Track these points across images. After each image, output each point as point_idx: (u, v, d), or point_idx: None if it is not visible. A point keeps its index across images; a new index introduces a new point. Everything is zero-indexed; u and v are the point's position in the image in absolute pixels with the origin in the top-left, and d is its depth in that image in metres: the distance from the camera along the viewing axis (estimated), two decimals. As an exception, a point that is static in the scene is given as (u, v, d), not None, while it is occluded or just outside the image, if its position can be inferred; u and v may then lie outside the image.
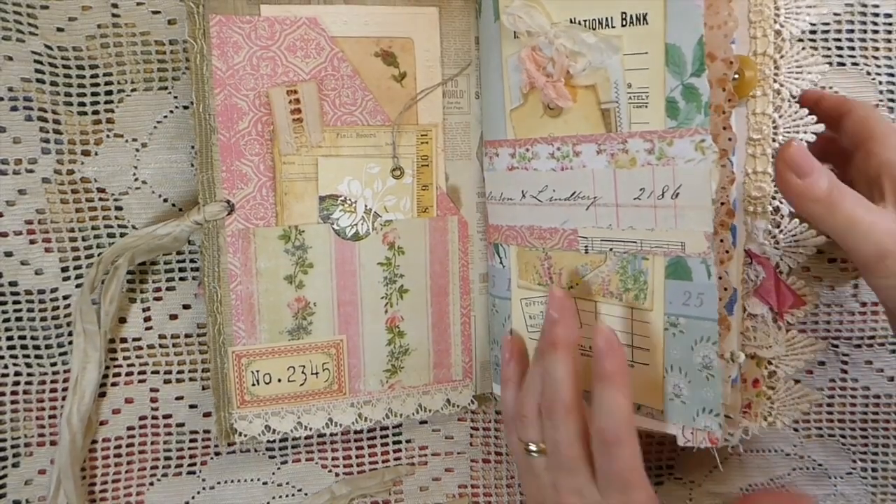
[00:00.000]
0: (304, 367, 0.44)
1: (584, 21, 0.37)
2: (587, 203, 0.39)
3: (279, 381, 0.44)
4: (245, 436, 0.44)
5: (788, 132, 0.38)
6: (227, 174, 0.41)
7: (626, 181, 0.38)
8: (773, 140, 0.38)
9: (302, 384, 0.44)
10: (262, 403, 0.44)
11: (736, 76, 0.36)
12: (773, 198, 0.38)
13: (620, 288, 0.39)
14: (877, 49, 0.45)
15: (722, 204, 0.37)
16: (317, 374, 0.44)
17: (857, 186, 0.37)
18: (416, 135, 0.44)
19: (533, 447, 0.39)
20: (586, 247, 0.40)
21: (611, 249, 0.39)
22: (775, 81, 0.38)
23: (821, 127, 0.38)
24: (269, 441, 0.45)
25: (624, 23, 0.36)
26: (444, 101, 0.44)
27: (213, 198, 0.42)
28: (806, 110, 0.38)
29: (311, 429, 0.44)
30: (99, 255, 0.44)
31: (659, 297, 0.38)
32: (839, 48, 0.44)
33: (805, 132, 0.38)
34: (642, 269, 0.38)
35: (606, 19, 0.37)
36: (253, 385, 0.43)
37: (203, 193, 0.42)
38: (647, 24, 0.36)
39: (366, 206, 0.43)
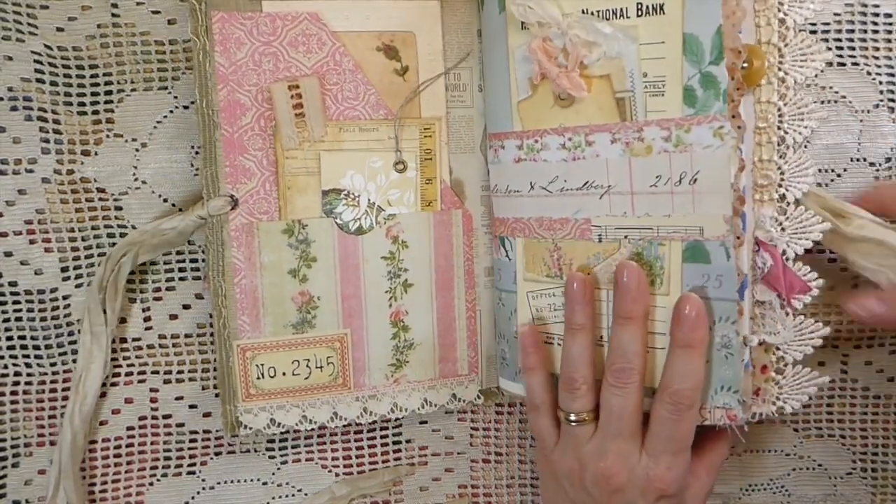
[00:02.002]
0: (308, 360, 0.44)
1: (597, 11, 0.38)
2: (601, 192, 0.39)
3: (284, 374, 0.44)
4: (250, 429, 0.44)
5: (793, 120, 0.39)
6: (230, 169, 0.42)
7: (642, 169, 0.38)
8: (778, 128, 0.39)
9: (307, 378, 0.44)
10: (267, 397, 0.44)
11: (745, 65, 0.37)
12: (780, 185, 0.39)
13: None
14: (877, 49, 0.45)
15: (734, 191, 0.37)
16: (321, 367, 0.44)
17: None
18: (420, 128, 0.44)
19: (575, 417, 0.41)
20: (600, 235, 0.40)
21: (625, 237, 0.39)
22: (780, 70, 0.39)
23: (824, 114, 0.39)
24: (273, 434, 0.46)
25: (640, 13, 0.37)
26: (447, 94, 0.44)
27: (216, 193, 0.42)
28: (810, 98, 0.39)
29: (315, 423, 0.45)
30: (100, 254, 0.44)
31: (676, 282, 0.39)
32: (839, 48, 0.44)
33: (809, 119, 0.39)
34: (659, 255, 0.39)
35: (621, 10, 0.37)
36: (258, 378, 0.44)
37: (207, 188, 0.42)
38: (663, 14, 0.37)
39: (369, 199, 0.43)
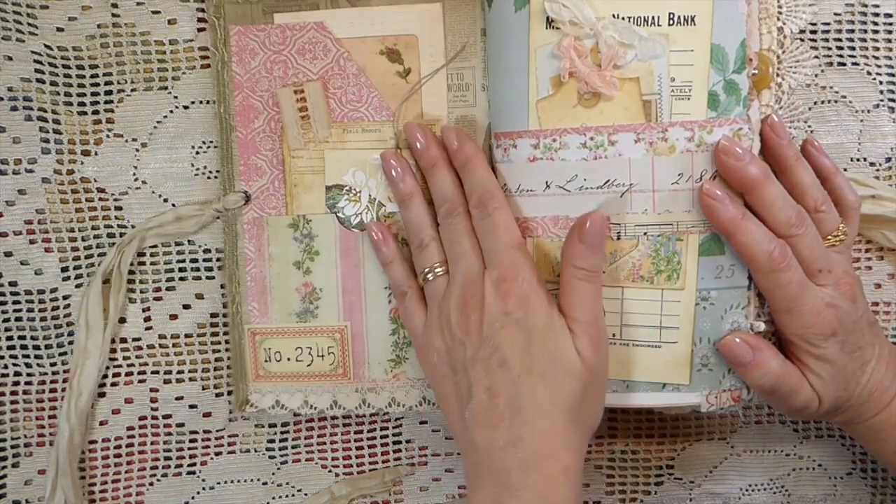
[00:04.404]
0: (311, 349, 0.46)
1: (629, 17, 0.39)
2: (622, 190, 0.40)
3: (288, 360, 0.46)
4: (257, 408, 0.46)
5: (787, 122, 0.42)
6: (244, 168, 0.45)
7: (665, 167, 0.40)
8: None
9: (309, 365, 0.46)
10: (274, 379, 0.46)
11: (755, 72, 0.40)
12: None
13: (653, 271, 0.41)
14: (877, 49, 0.45)
15: None
16: (322, 356, 0.46)
17: None
18: (421, 129, 0.45)
19: (429, 271, 0.42)
20: (618, 233, 0.41)
21: (644, 233, 0.41)
22: (777, 75, 0.41)
23: (809, 114, 0.42)
24: (273, 434, 0.48)
25: (671, 22, 0.39)
26: (448, 94, 0.44)
27: (232, 189, 0.44)
28: (800, 101, 0.43)
29: (316, 408, 0.47)
30: (100, 254, 0.44)
31: (692, 275, 0.41)
32: (839, 48, 0.45)
33: (801, 120, 0.42)
34: (676, 251, 0.41)
35: (654, 17, 0.39)
36: (265, 361, 0.46)
37: (223, 185, 0.45)
38: (694, 24, 0.39)
39: (370, 195, 0.45)
